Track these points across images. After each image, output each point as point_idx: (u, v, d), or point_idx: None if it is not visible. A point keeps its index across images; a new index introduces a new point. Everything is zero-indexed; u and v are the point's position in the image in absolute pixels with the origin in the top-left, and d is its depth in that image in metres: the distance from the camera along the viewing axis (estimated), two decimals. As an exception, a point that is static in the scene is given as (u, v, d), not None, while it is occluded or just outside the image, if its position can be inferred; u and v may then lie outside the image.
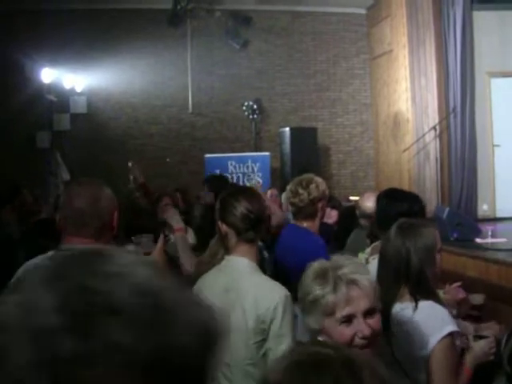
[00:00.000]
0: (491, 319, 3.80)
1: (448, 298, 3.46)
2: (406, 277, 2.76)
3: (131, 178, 7.18)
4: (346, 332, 2.05)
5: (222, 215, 2.87)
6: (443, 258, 3.01)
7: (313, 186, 3.91)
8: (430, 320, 2.66)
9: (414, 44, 10.93)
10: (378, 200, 3.80)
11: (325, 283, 2.06)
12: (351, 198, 10.05)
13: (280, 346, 2.56)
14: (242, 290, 2.68)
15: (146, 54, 11.81)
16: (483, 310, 4.01)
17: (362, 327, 2.03)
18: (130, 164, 7.16)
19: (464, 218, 7.57)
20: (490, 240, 7.13)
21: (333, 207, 5.85)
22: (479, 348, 2.91)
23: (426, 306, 2.70)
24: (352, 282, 2.04)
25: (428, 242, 2.79)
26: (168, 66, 11.99)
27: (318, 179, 4.01)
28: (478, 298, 4.09)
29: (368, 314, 2.06)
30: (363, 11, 12.82)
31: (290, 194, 3.97)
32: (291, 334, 2.63)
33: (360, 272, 2.09)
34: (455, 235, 7.20)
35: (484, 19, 10.51)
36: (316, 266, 2.15)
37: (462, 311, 3.70)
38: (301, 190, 3.91)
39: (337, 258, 2.18)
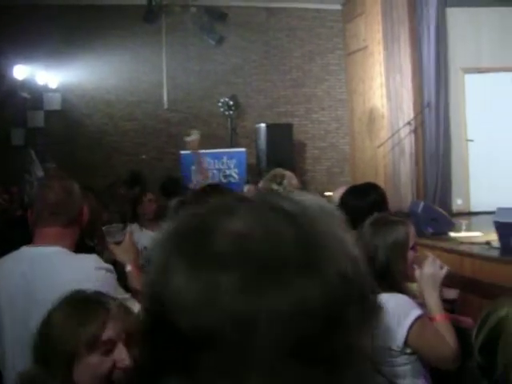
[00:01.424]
0: (464, 312, 3.83)
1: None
2: (371, 272, 2.77)
3: None
4: None
5: None
6: (419, 252, 3.04)
7: (286, 181, 3.93)
8: (394, 310, 2.68)
9: (389, 40, 10.97)
10: (343, 199, 3.89)
11: None
12: (326, 193, 10.06)
13: None
14: None
15: (120, 50, 11.72)
16: (456, 303, 4.04)
17: None
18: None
19: (439, 212, 7.60)
20: (464, 234, 7.19)
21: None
22: (426, 274, 2.91)
23: (387, 298, 2.72)
24: None
25: (399, 239, 2.81)
26: (143, 62, 11.92)
27: (289, 173, 4.03)
28: (451, 293, 4.12)
29: None
30: (338, 7, 12.84)
31: (269, 191, 3.99)
32: None
33: None
34: (430, 229, 7.24)
35: (458, 16, 10.57)
36: None
37: (445, 312, 3.73)
38: (276, 186, 3.92)
39: None
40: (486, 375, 2.44)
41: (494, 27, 10.53)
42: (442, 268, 2.90)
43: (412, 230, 2.91)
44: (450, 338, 2.74)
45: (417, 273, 2.88)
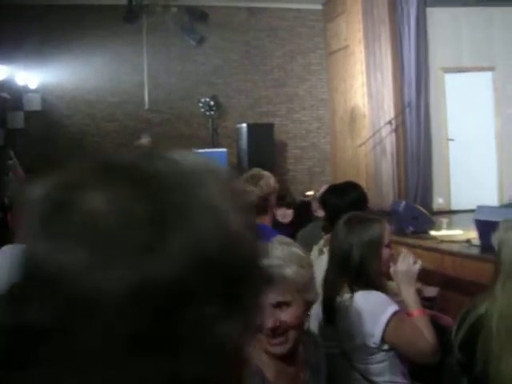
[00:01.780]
0: (444, 309, 3.85)
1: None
2: (347, 270, 2.79)
3: None
4: None
5: None
6: (399, 251, 3.05)
7: (262, 182, 3.92)
8: (369, 307, 2.70)
9: (370, 39, 11.01)
10: (324, 197, 3.92)
11: None
12: (308, 193, 10.08)
13: None
14: None
15: (101, 50, 11.65)
16: (435, 301, 4.06)
17: (267, 319, 2.07)
18: None
19: (419, 211, 7.63)
20: (445, 232, 7.22)
21: (288, 206, 5.86)
22: (400, 270, 2.92)
23: (362, 295, 2.73)
24: None
25: (373, 237, 2.82)
26: (123, 63, 11.86)
27: (266, 174, 4.03)
28: (431, 291, 4.15)
29: (278, 306, 2.09)
30: (319, 7, 12.86)
31: None
32: None
33: (282, 265, 2.09)
34: (411, 228, 7.27)
35: (438, 15, 10.62)
36: None
37: (422, 307, 3.75)
38: (251, 187, 3.93)
39: (269, 245, 2.18)
40: (465, 372, 2.45)
41: (474, 27, 10.59)
42: (415, 263, 2.92)
43: (387, 227, 2.92)
44: (427, 333, 2.76)
45: (391, 270, 2.89)
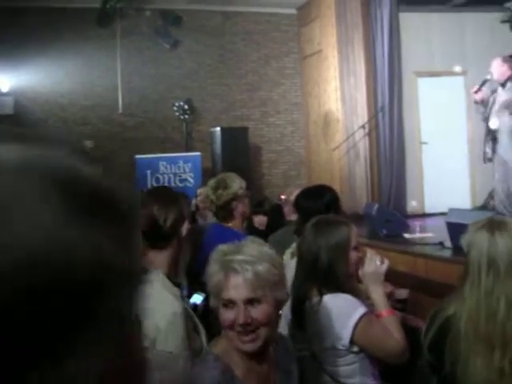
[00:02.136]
0: (416, 311, 3.87)
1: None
2: (315, 274, 2.80)
3: None
4: (226, 315, 2.13)
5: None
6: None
7: (227, 186, 3.95)
8: (338, 310, 2.71)
9: (343, 44, 11.07)
10: (297, 200, 3.94)
11: (216, 264, 2.14)
12: (282, 196, 10.09)
13: None
14: None
15: (74, 53, 11.56)
16: (407, 303, 4.09)
17: (239, 314, 2.10)
18: None
19: (393, 214, 7.68)
20: (418, 235, 7.27)
21: (264, 214, 5.87)
22: (368, 272, 2.93)
23: (330, 298, 2.74)
24: (234, 270, 2.10)
25: (341, 240, 2.84)
26: (97, 66, 11.78)
27: (231, 178, 4.04)
28: (402, 293, 4.19)
29: (249, 303, 2.11)
30: (293, 11, 12.90)
31: (205, 197, 4.05)
32: (179, 352, 2.51)
33: (254, 262, 2.11)
34: (384, 231, 7.31)
35: (410, 20, 10.71)
36: (220, 248, 2.21)
37: (390, 307, 3.77)
38: (219, 191, 3.95)
39: (242, 243, 2.19)
40: (435, 372, 2.47)
41: (446, 31, 10.71)
42: (382, 263, 2.94)
43: (354, 230, 2.93)
44: (396, 333, 2.78)
45: (360, 272, 2.91)
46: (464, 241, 2.42)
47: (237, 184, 3.99)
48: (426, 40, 10.71)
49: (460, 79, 10.66)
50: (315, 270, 2.80)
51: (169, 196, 2.89)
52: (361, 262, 2.91)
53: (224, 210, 3.97)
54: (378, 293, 2.90)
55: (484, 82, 7.67)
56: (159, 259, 2.71)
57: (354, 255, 2.88)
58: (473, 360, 2.27)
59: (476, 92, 7.65)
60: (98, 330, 0.52)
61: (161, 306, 2.43)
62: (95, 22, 11.52)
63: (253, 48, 12.73)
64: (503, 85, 7.55)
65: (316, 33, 12.10)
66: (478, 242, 2.34)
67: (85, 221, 0.52)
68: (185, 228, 2.82)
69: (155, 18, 11.86)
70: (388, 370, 2.95)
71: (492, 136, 7.64)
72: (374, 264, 2.90)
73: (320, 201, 3.81)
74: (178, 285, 2.71)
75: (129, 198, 0.59)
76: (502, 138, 7.53)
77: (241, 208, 3.98)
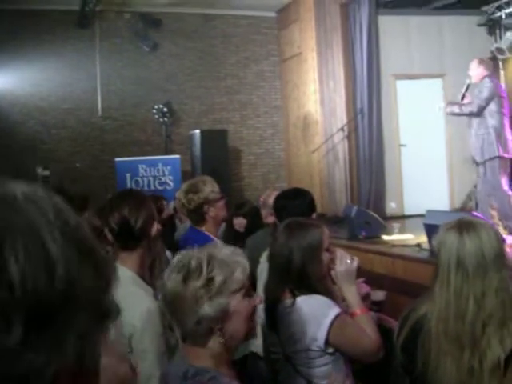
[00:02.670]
0: (394, 313, 3.89)
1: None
2: (288, 276, 2.80)
3: None
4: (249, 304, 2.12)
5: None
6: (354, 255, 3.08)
7: (197, 190, 3.96)
8: (312, 312, 2.71)
9: (323, 47, 11.11)
10: (275, 203, 3.97)
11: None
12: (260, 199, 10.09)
13: (143, 362, 2.48)
14: None
15: (53, 56, 11.49)
16: (384, 305, 4.11)
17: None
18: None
19: (371, 216, 7.71)
20: (396, 237, 7.31)
21: (244, 216, 5.87)
22: (340, 272, 2.95)
23: (304, 300, 2.75)
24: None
25: (313, 241, 2.84)
26: (76, 69, 11.72)
27: (203, 182, 4.04)
28: (379, 295, 4.21)
29: None
30: (273, 14, 12.93)
31: (178, 201, 4.06)
32: (155, 349, 2.56)
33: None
34: (363, 233, 7.35)
35: (389, 23, 10.77)
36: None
37: (364, 305, 3.79)
38: (189, 195, 3.96)
39: (215, 245, 2.20)
40: (407, 373, 2.48)
41: (424, 35, 10.77)
42: (352, 260, 2.96)
43: (326, 232, 2.95)
44: (371, 331, 2.79)
45: (333, 273, 2.92)
46: (435, 241, 2.44)
47: (208, 188, 3.98)
48: (404, 43, 10.77)
49: (438, 81, 10.74)
50: (288, 272, 2.81)
51: (139, 198, 2.95)
52: (332, 262, 2.92)
53: (196, 214, 3.98)
54: (351, 292, 2.91)
55: (468, 87, 7.72)
56: (130, 259, 2.79)
57: (326, 256, 2.90)
58: (443, 360, 2.28)
59: (462, 98, 7.69)
60: (57, 332, 0.59)
61: (132, 301, 2.42)
62: (75, 25, 11.47)
63: (232, 51, 12.74)
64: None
65: (295, 36, 12.13)
66: (447, 242, 2.35)
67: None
68: (155, 229, 2.89)
69: (135, 21, 11.83)
70: (364, 370, 2.96)
71: None
72: (345, 263, 2.92)
73: (296, 203, 3.83)
74: (152, 285, 2.73)
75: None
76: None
77: (213, 212, 3.97)
